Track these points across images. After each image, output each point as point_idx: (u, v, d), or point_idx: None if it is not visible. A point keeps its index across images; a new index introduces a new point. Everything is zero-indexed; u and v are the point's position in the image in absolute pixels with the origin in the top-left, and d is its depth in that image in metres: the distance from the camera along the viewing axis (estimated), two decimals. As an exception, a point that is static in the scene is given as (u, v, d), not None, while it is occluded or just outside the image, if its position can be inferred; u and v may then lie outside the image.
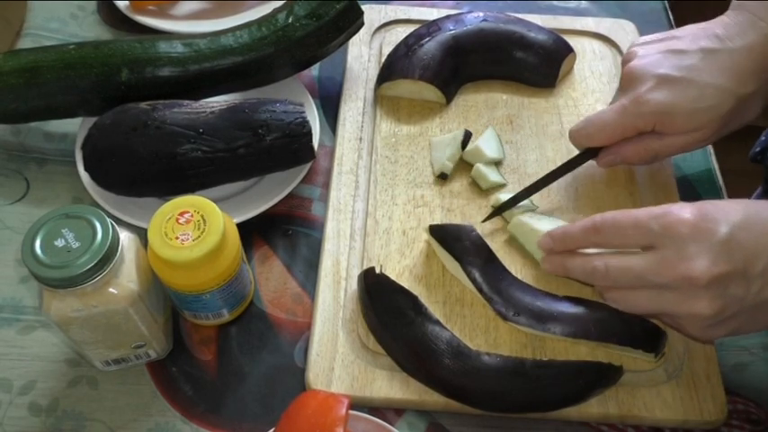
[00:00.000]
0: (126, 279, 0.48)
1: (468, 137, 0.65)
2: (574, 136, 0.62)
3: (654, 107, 0.56)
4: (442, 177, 0.64)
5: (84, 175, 0.61)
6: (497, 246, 0.59)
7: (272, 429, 0.48)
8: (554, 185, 0.63)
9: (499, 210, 0.62)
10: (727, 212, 0.46)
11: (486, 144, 0.65)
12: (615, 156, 0.61)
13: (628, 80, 0.58)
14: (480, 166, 0.64)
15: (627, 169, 0.66)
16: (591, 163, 0.63)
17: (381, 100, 0.71)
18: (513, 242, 0.61)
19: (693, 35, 0.58)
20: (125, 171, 0.58)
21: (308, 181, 0.66)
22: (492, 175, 0.64)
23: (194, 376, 0.55)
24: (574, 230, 0.53)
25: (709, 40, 0.56)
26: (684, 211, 0.47)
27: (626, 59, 0.60)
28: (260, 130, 0.58)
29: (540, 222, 0.59)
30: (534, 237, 0.58)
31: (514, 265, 0.59)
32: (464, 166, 0.65)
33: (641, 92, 0.56)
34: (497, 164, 0.66)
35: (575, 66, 0.74)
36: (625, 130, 0.58)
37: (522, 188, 0.62)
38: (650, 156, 0.59)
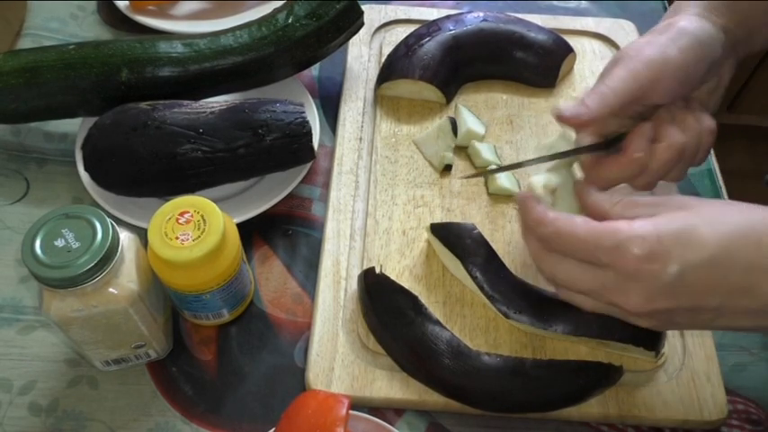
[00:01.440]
0: (126, 279, 0.48)
1: (454, 123, 0.66)
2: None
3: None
4: (447, 169, 0.65)
5: (84, 175, 0.61)
6: (498, 245, 0.59)
7: (272, 429, 0.48)
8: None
9: (483, 173, 0.64)
10: (689, 248, 0.42)
11: (473, 123, 0.67)
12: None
13: None
14: (475, 144, 0.66)
15: None
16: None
17: (381, 100, 0.71)
18: (512, 241, 0.61)
19: None
20: (125, 171, 0.58)
21: (308, 181, 0.66)
22: (485, 152, 0.65)
23: (194, 376, 0.55)
24: (526, 213, 0.47)
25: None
26: (635, 244, 0.42)
27: None
28: (260, 130, 0.58)
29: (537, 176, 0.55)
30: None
31: (515, 265, 0.59)
32: (457, 152, 0.67)
33: None
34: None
35: (575, 66, 0.74)
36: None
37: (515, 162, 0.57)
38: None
